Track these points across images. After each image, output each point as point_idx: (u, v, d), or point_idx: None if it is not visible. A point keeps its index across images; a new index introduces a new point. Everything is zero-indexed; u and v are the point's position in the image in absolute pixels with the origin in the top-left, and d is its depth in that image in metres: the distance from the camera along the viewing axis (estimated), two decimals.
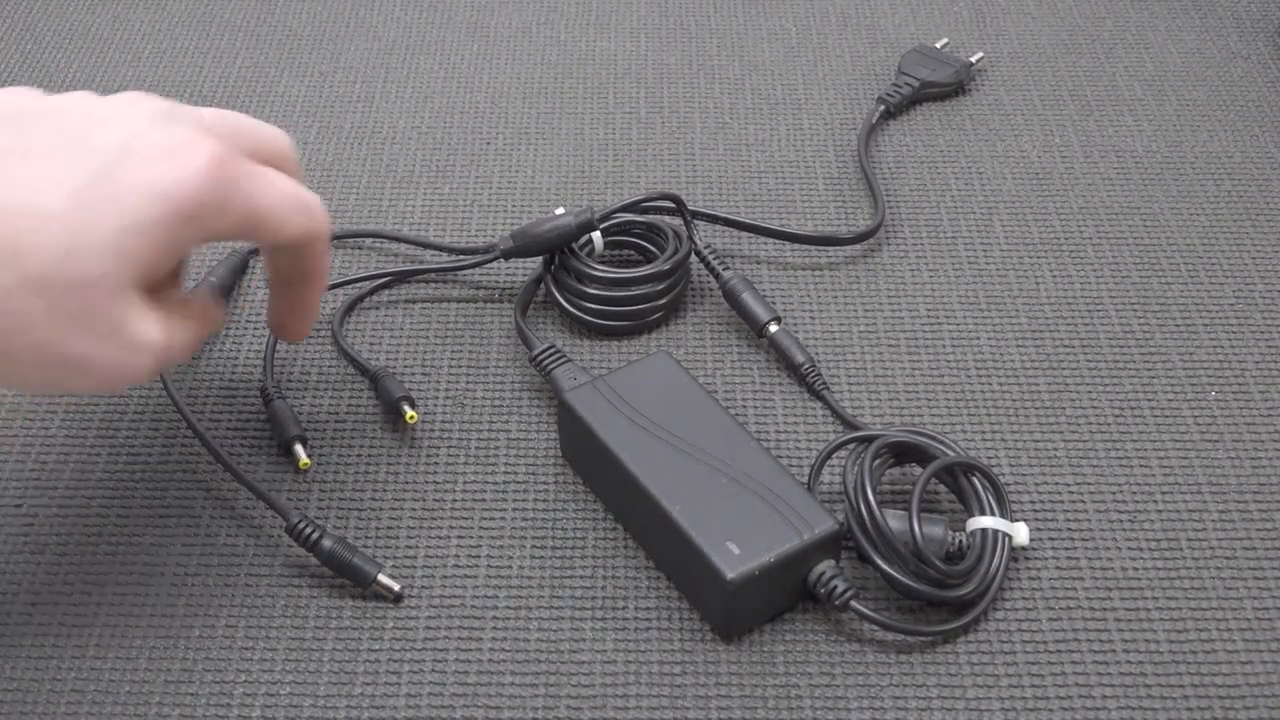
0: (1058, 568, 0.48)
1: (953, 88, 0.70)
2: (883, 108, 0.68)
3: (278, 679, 0.45)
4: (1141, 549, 0.49)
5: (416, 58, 0.73)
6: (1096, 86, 0.71)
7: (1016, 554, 0.48)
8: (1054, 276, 0.60)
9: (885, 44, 0.74)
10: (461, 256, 0.59)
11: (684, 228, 0.57)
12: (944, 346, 0.56)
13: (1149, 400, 0.54)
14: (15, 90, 0.40)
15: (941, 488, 0.50)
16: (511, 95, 0.70)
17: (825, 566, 0.45)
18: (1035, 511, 0.50)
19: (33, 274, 0.36)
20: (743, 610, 0.45)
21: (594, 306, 0.56)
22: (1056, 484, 0.51)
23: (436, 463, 0.52)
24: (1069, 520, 0.50)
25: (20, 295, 0.36)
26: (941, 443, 0.49)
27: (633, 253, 0.59)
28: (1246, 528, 0.50)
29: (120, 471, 0.51)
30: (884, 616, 0.45)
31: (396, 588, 0.47)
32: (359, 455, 0.52)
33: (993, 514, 0.47)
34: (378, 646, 0.46)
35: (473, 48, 0.74)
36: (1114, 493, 0.51)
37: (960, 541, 0.47)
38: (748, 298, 0.56)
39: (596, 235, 0.57)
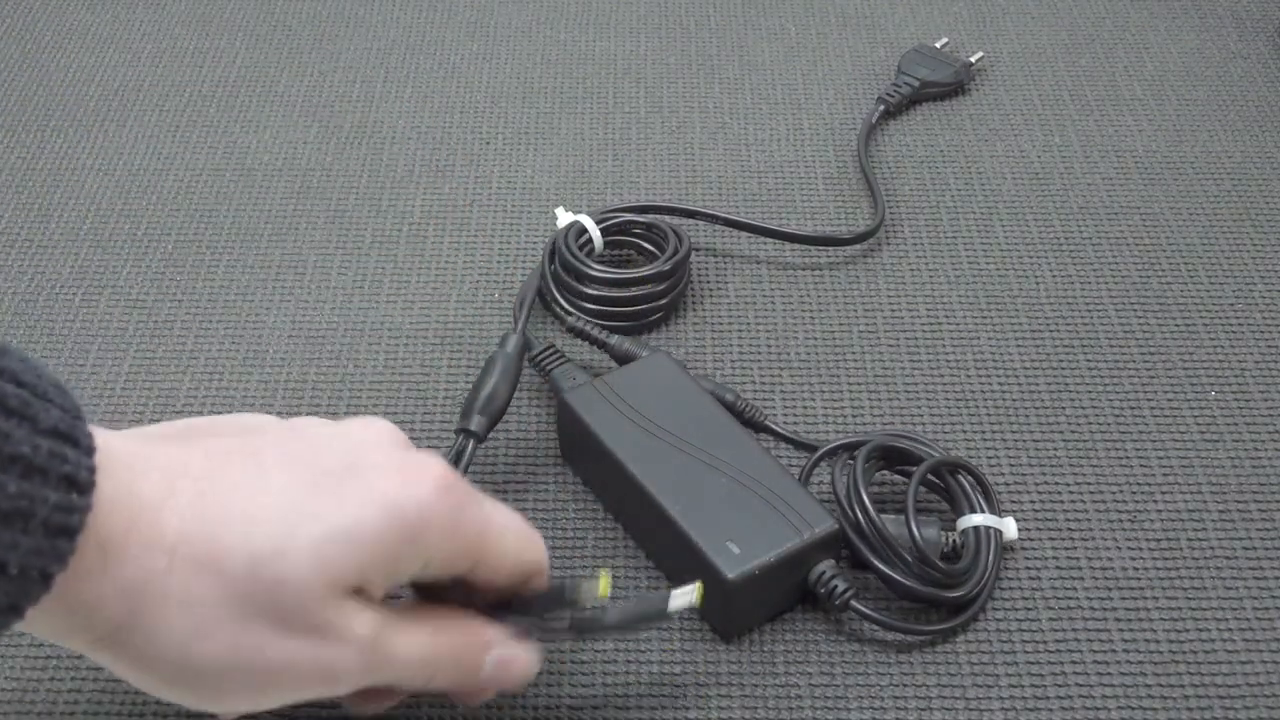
0: (1058, 568, 0.48)
1: (952, 87, 0.70)
2: (882, 107, 0.68)
3: None
4: (1141, 549, 0.49)
5: (416, 57, 0.73)
6: (1096, 86, 0.71)
7: (1008, 549, 0.48)
8: (1054, 276, 0.60)
9: (885, 44, 0.74)
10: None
11: (683, 227, 0.57)
12: (944, 346, 0.56)
13: (1149, 400, 0.54)
14: (254, 414, 0.40)
15: (921, 487, 0.50)
16: (511, 95, 0.70)
17: (825, 566, 0.45)
18: (1035, 511, 0.50)
19: (230, 578, 0.34)
20: (743, 610, 0.45)
21: (593, 307, 0.56)
22: (1056, 484, 0.51)
23: None
24: (1069, 520, 0.50)
25: (217, 604, 0.34)
26: (924, 443, 0.49)
27: (632, 252, 0.59)
28: (1246, 528, 0.50)
29: None
30: (884, 616, 0.45)
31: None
32: None
33: (982, 511, 0.47)
34: None
35: (473, 48, 0.74)
36: (1114, 493, 0.51)
37: (953, 541, 0.47)
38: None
39: (596, 234, 0.57)
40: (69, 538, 0.32)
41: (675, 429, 0.48)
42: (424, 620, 0.39)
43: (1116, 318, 0.58)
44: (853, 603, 0.44)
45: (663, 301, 0.56)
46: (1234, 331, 0.57)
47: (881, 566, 0.45)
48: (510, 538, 0.39)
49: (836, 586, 0.44)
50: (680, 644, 0.46)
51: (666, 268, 0.56)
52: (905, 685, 0.44)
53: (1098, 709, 0.44)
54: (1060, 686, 0.45)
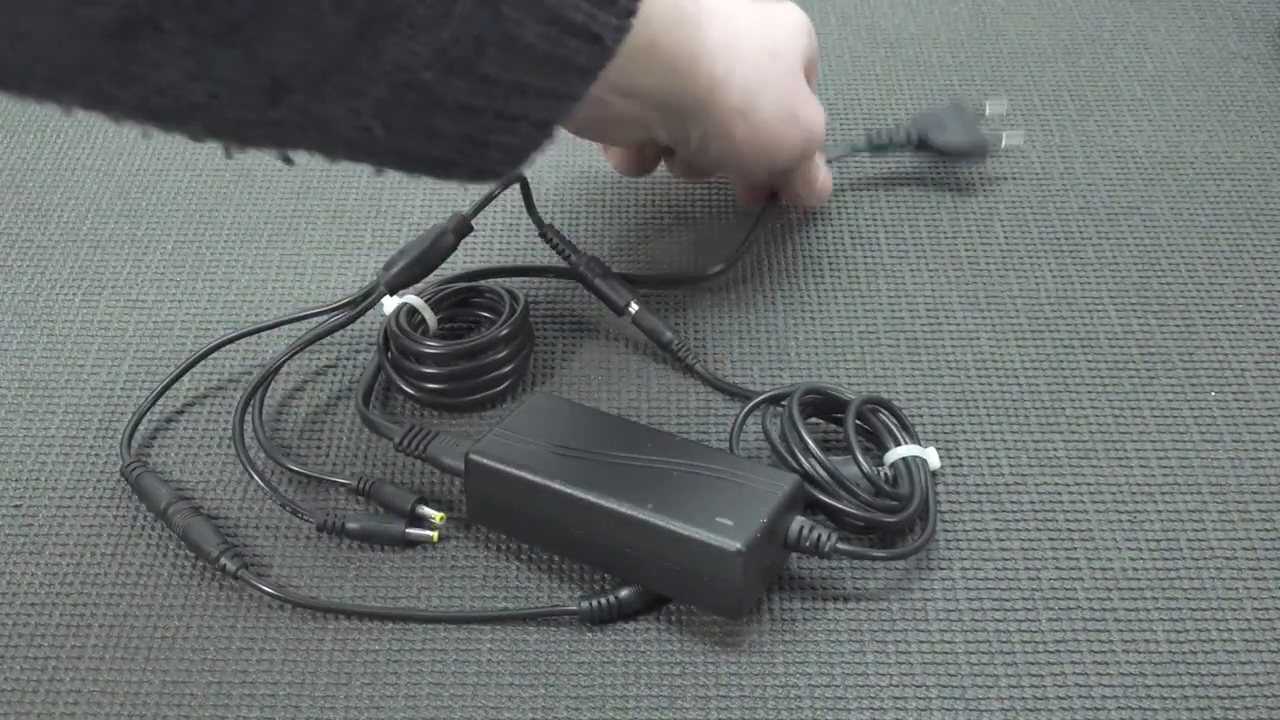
0: (1058, 568, 0.48)
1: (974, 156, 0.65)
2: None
3: (276, 679, 0.45)
4: (1141, 549, 0.49)
5: None
6: (1096, 86, 0.71)
7: (937, 478, 0.50)
8: (1054, 276, 0.60)
9: (885, 44, 0.74)
10: (333, 314, 0.55)
11: (519, 291, 0.54)
12: (944, 346, 0.56)
13: (1149, 400, 0.54)
14: None
15: (833, 426, 0.52)
16: None
17: (800, 521, 0.46)
18: (1035, 512, 0.50)
19: (775, 49, 0.54)
20: (749, 580, 0.45)
21: (436, 386, 0.53)
22: (1056, 484, 0.51)
23: None
24: (1069, 520, 0.50)
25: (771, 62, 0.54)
26: (842, 389, 0.52)
27: (470, 325, 0.56)
28: (1246, 528, 0.50)
29: (120, 472, 0.51)
30: (864, 549, 0.47)
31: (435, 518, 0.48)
32: (357, 457, 0.52)
33: (906, 443, 0.50)
34: (377, 647, 0.46)
35: None
36: (1114, 493, 0.51)
37: (885, 474, 0.49)
38: (600, 283, 0.56)
39: (428, 313, 0.54)
40: None
41: (598, 448, 0.47)
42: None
43: (1116, 318, 0.58)
44: (839, 545, 0.46)
45: (510, 367, 0.53)
46: (1234, 331, 0.57)
47: (833, 502, 0.48)
48: (814, 185, 0.59)
49: (819, 536, 0.46)
50: (680, 645, 0.46)
51: (504, 332, 0.52)
52: (905, 686, 0.44)
53: (1098, 709, 0.44)
54: (1060, 687, 0.45)
